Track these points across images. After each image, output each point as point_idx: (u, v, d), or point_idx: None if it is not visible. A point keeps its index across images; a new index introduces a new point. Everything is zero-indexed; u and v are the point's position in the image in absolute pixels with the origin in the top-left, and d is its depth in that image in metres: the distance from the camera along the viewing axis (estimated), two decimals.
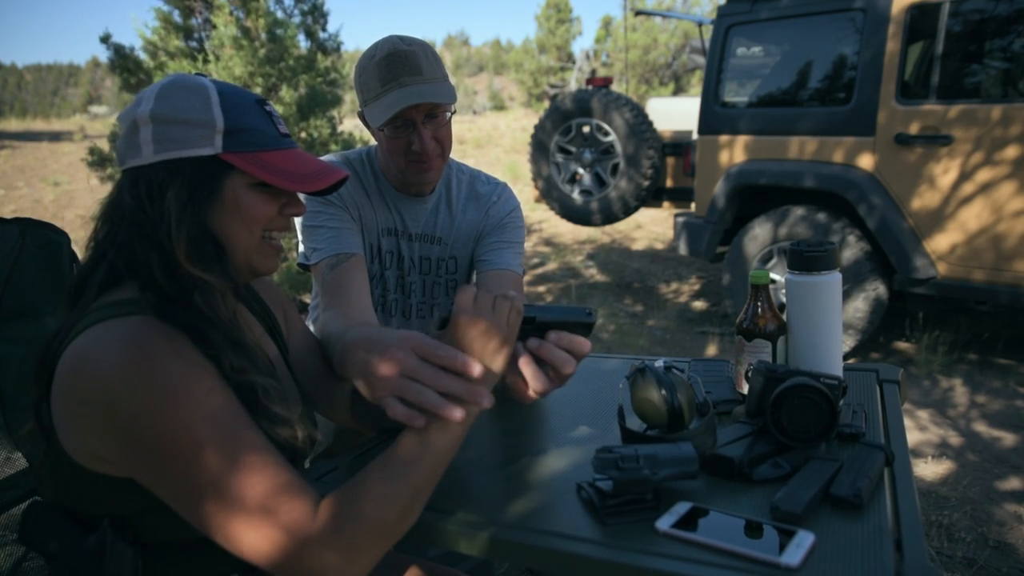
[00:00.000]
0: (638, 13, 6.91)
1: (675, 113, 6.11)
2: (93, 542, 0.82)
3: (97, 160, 4.86)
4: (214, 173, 0.86)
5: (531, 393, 0.91)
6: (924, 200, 3.53)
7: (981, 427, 3.11)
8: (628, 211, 5.18)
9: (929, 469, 2.76)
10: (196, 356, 0.80)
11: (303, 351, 1.17)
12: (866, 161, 3.67)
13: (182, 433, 0.75)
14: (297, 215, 0.96)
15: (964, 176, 3.41)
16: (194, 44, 4.85)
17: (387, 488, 0.79)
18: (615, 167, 5.08)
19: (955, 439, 3.01)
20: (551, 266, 6.69)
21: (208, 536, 0.77)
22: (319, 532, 0.75)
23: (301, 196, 1.45)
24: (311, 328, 1.30)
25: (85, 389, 0.76)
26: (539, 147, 5.37)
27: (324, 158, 1.07)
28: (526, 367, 0.90)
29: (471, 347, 0.85)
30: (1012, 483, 2.63)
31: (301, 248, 1.50)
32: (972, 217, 3.41)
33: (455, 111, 1.44)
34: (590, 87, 5.23)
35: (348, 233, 1.46)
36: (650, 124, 5.00)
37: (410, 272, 1.58)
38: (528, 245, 7.49)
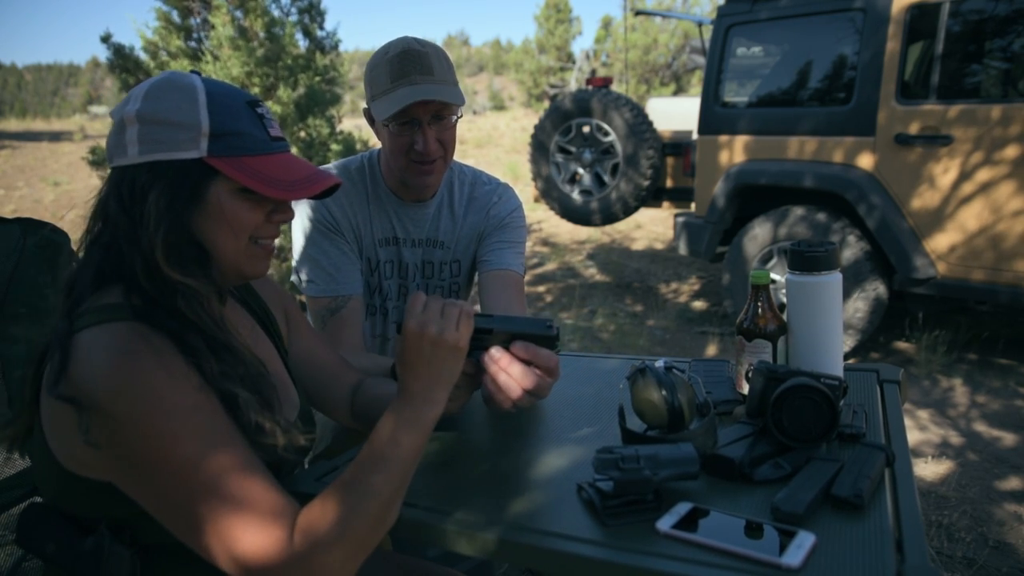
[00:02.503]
0: (638, 13, 6.91)
1: (675, 113, 6.11)
2: (91, 544, 0.82)
3: (98, 159, 4.86)
4: (198, 177, 0.85)
5: (506, 403, 0.92)
6: (924, 200, 3.53)
7: (981, 427, 3.11)
8: (628, 211, 5.18)
9: (929, 469, 2.76)
10: (181, 366, 0.79)
11: (305, 351, 1.17)
12: (866, 161, 3.67)
13: (165, 448, 0.75)
14: (285, 221, 0.94)
15: (964, 176, 3.41)
16: (193, 44, 4.84)
17: (373, 493, 0.80)
18: (615, 167, 5.08)
19: (955, 439, 3.01)
20: (550, 266, 6.69)
21: (186, 544, 0.77)
22: (298, 550, 0.75)
23: (304, 203, 1.46)
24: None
25: (72, 398, 0.76)
26: (539, 147, 5.37)
27: (324, 167, 1.06)
28: (498, 375, 0.92)
29: (420, 352, 0.86)
30: (1012, 483, 2.63)
31: (297, 272, 1.50)
32: (972, 217, 3.41)
33: (461, 115, 1.44)
34: (590, 87, 5.23)
35: (346, 269, 1.47)
36: (650, 124, 5.00)
37: (414, 277, 1.58)
38: (527, 245, 7.49)
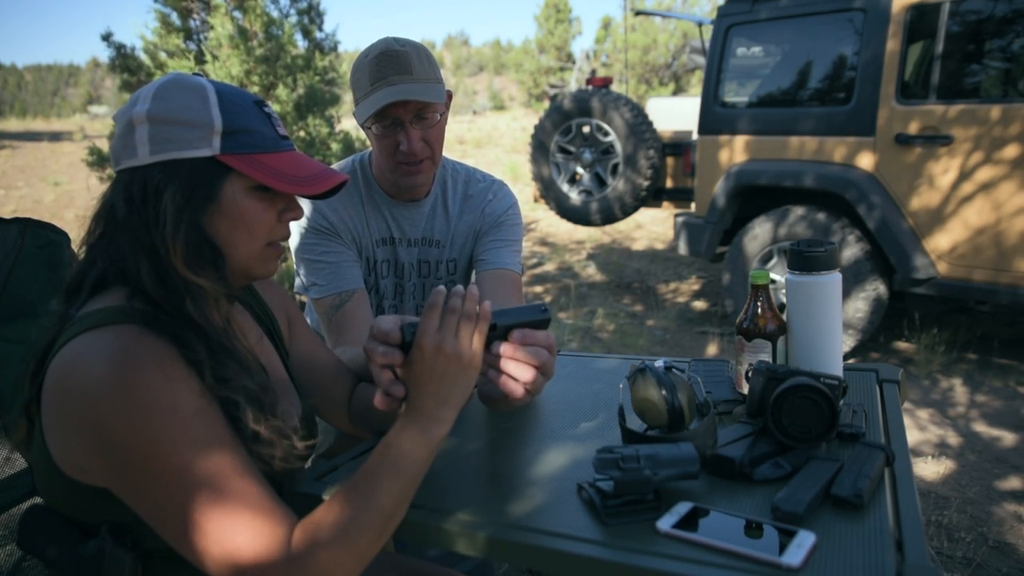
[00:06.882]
0: (638, 13, 6.90)
1: (675, 113, 6.11)
2: (92, 548, 0.81)
3: (97, 160, 4.86)
4: (212, 175, 0.84)
5: (519, 390, 0.92)
6: (924, 200, 3.53)
7: (981, 427, 3.11)
8: (628, 211, 5.18)
9: (929, 469, 2.76)
10: (182, 371, 0.78)
11: (305, 353, 1.16)
12: (866, 161, 3.67)
13: (163, 454, 0.74)
14: (296, 219, 0.94)
15: (964, 176, 3.41)
16: (192, 46, 4.85)
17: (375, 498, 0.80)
18: (615, 167, 5.08)
19: (955, 439, 3.01)
20: (549, 266, 6.68)
21: (180, 553, 0.77)
22: (296, 553, 0.75)
23: (303, 203, 1.46)
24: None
25: (70, 402, 0.76)
26: (539, 147, 5.37)
27: None
28: (506, 365, 0.92)
29: (434, 370, 0.84)
30: (1012, 483, 2.63)
31: (299, 279, 1.51)
32: (972, 217, 3.41)
33: (443, 114, 1.43)
34: (590, 87, 5.23)
35: (347, 266, 1.47)
36: (650, 124, 5.00)
37: (409, 276, 1.58)
38: (525, 245, 7.50)
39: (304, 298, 1.56)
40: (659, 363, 1.02)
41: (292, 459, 0.86)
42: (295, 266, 1.53)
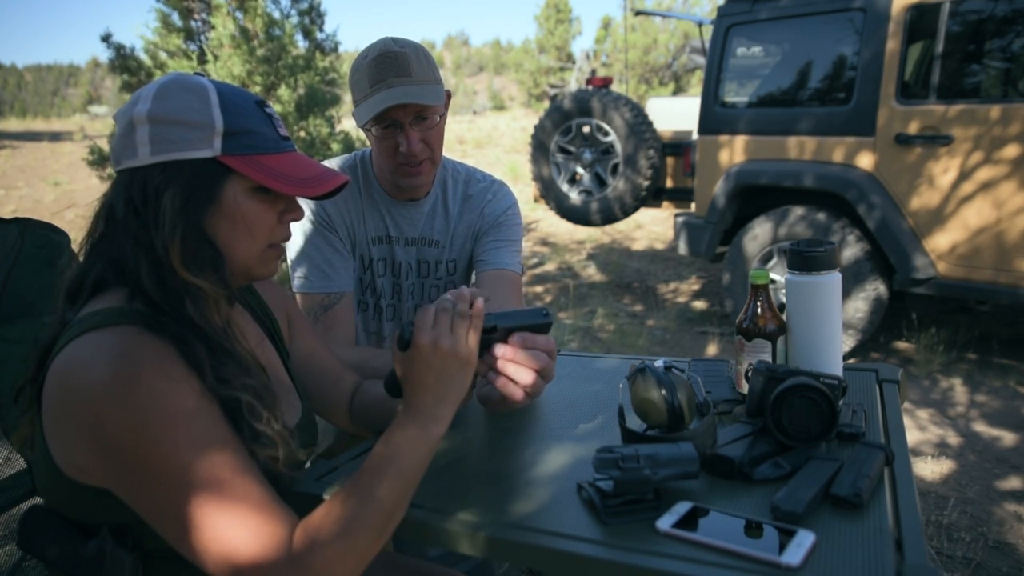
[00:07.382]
0: (638, 13, 6.91)
1: (675, 113, 6.11)
2: (92, 549, 0.81)
3: (97, 159, 4.87)
4: (213, 176, 0.84)
5: (518, 393, 0.92)
6: (924, 200, 3.53)
7: (981, 427, 3.11)
8: (627, 211, 5.18)
9: (929, 469, 2.76)
10: (182, 372, 0.78)
11: (305, 352, 1.16)
12: (866, 161, 3.67)
13: (164, 455, 0.74)
14: (296, 220, 0.94)
15: (964, 176, 3.41)
16: (193, 47, 4.85)
17: (380, 495, 0.80)
18: (615, 167, 5.08)
19: (955, 439, 3.01)
20: (549, 266, 6.68)
21: (181, 553, 0.77)
22: (297, 552, 0.75)
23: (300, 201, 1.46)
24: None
25: (71, 403, 0.76)
26: (539, 147, 5.37)
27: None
28: (505, 367, 0.93)
29: (430, 367, 0.85)
30: (1012, 483, 2.63)
31: (290, 270, 1.50)
32: (972, 217, 3.41)
33: (442, 115, 1.43)
34: (590, 87, 5.23)
35: (340, 267, 1.47)
36: (650, 124, 5.00)
37: (407, 276, 1.58)
38: (525, 245, 7.50)
39: None
40: (659, 363, 1.02)
41: (292, 459, 0.86)
42: (288, 256, 1.52)
